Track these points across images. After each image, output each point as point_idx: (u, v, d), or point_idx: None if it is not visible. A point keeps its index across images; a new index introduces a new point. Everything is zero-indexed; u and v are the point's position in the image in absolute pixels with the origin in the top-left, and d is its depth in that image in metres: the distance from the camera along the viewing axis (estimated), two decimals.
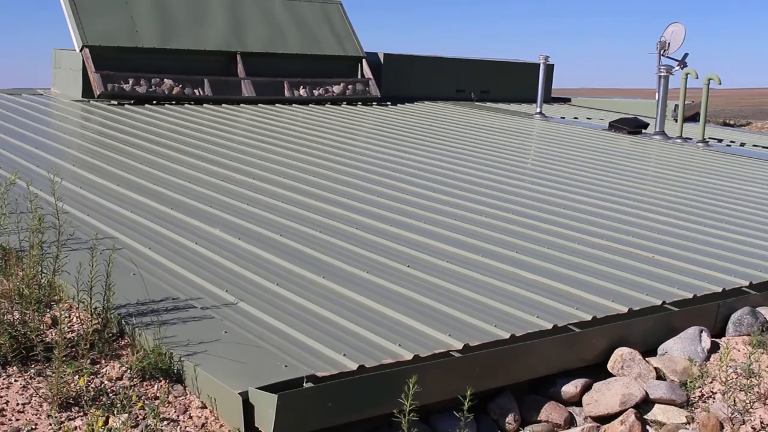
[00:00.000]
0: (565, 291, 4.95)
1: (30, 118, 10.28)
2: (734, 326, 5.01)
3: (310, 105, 13.64)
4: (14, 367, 3.70)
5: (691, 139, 13.02)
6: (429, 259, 5.39)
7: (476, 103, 16.63)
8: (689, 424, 4.15)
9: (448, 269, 5.20)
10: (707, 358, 4.64)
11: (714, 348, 4.75)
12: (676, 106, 14.51)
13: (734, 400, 4.22)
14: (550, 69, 17.62)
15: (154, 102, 12.23)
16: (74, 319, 4.15)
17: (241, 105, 12.83)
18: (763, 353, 4.66)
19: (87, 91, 12.18)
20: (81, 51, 12.17)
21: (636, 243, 6.17)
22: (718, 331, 5.03)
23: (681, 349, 4.64)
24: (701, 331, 4.77)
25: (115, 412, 3.39)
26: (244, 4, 14.16)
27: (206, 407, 3.55)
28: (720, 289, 5.23)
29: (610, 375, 4.42)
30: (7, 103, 11.57)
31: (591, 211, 7.13)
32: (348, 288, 4.69)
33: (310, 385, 3.48)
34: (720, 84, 12.77)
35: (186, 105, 12.33)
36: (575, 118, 15.55)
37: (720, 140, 13.79)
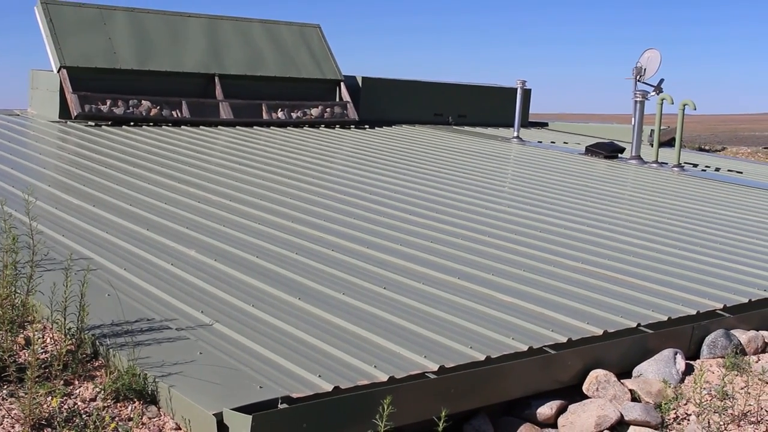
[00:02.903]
0: (541, 313, 4.96)
1: (6, 139, 10.22)
2: (708, 348, 5.04)
3: (288, 127, 13.65)
4: None
5: (666, 163, 13.12)
6: (405, 281, 5.39)
7: (454, 127, 16.70)
8: None
9: (424, 291, 5.21)
10: (682, 380, 4.66)
11: (688, 370, 4.78)
12: (652, 131, 14.63)
13: (708, 422, 4.23)
14: (527, 94, 17.72)
15: (132, 123, 12.20)
16: (48, 340, 4.12)
17: (219, 127, 12.82)
18: (736, 375, 4.69)
19: (64, 112, 12.13)
20: (59, 72, 12.14)
21: (611, 266, 6.20)
22: (692, 354, 5.05)
23: (656, 371, 4.66)
24: (676, 354, 4.79)
25: None
26: (223, 26, 14.19)
27: (180, 428, 3.52)
28: (694, 312, 5.26)
29: (586, 397, 4.43)
30: None
31: (567, 234, 7.16)
32: (324, 309, 4.69)
33: (284, 406, 3.47)
34: (695, 110, 12.90)
35: (163, 127, 12.31)
36: (552, 142, 15.64)
37: (695, 165, 13.91)
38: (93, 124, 11.92)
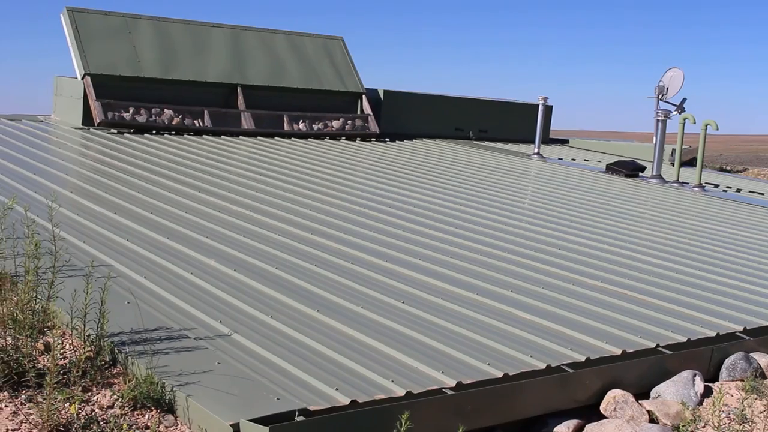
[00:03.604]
0: (559, 331, 4.95)
1: (30, 144, 10.30)
2: (728, 371, 5.01)
3: (309, 139, 13.69)
4: (5, 393, 3.69)
5: (687, 183, 13.07)
6: (424, 295, 5.39)
7: (474, 141, 16.70)
8: None
9: (442, 306, 5.20)
10: (700, 403, 4.63)
11: (707, 392, 4.75)
12: (674, 150, 14.59)
13: None
14: (548, 110, 17.69)
15: (154, 132, 12.27)
16: (67, 346, 4.14)
17: (240, 137, 12.87)
18: (756, 399, 4.65)
19: (87, 119, 12.23)
20: (83, 79, 12.23)
21: (630, 285, 6.17)
22: (711, 376, 5.02)
23: (674, 392, 4.63)
24: (695, 375, 4.76)
25: None
26: (246, 36, 14.25)
27: None
28: (714, 334, 5.23)
29: (603, 417, 4.40)
30: (7, 128, 11.60)
31: (587, 253, 7.14)
32: (342, 322, 4.69)
33: (301, 418, 3.47)
34: (717, 129, 12.84)
35: (185, 135, 12.37)
36: (573, 159, 15.61)
37: (716, 185, 13.85)
38: (115, 131, 11.99)
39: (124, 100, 12.26)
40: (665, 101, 17.19)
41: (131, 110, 12.22)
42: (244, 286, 5.24)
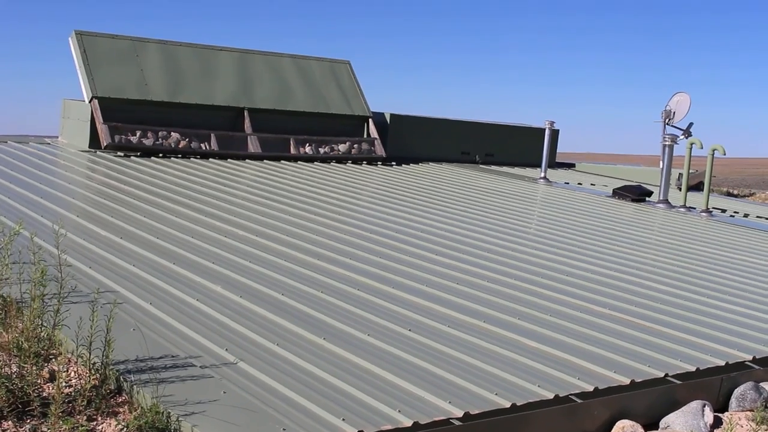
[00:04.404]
0: (567, 360, 4.91)
1: (36, 167, 10.31)
2: (737, 401, 4.97)
3: (316, 163, 13.69)
4: (9, 422, 3.66)
5: (694, 208, 13.04)
6: (430, 323, 5.36)
7: (481, 165, 16.69)
8: None
9: (449, 334, 5.17)
10: None
11: (717, 423, 4.71)
12: (680, 174, 14.56)
13: None
14: (555, 134, 17.69)
15: (161, 155, 12.28)
16: (72, 374, 4.12)
17: (247, 160, 12.88)
18: (766, 429, 4.61)
19: (94, 142, 12.24)
20: (90, 102, 12.26)
21: (639, 313, 6.14)
22: (720, 406, 4.98)
23: (683, 423, 4.59)
24: (704, 405, 4.72)
25: None
26: (253, 60, 14.29)
27: None
28: (723, 363, 5.19)
29: None
30: (14, 151, 11.63)
31: (594, 279, 7.11)
32: (348, 351, 4.66)
33: None
34: (724, 155, 12.83)
35: (192, 159, 12.38)
36: (579, 183, 15.59)
37: (724, 210, 13.81)
38: (122, 154, 12.00)
39: (132, 123, 12.28)
40: (672, 126, 17.18)
41: (138, 133, 12.24)
42: (250, 312, 5.22)
